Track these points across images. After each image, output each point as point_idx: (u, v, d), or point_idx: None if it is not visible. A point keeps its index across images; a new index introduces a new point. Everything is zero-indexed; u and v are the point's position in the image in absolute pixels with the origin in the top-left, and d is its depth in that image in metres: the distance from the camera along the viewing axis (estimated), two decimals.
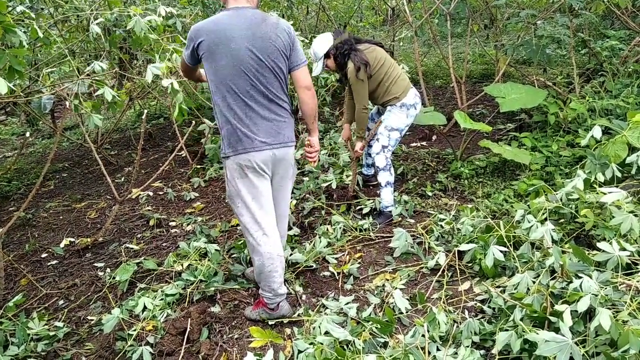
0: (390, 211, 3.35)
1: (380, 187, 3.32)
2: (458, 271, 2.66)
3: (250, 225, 2.32)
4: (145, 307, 2.61)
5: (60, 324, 2.60)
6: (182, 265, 2.96)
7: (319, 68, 3.26)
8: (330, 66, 3.28)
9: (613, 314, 1.79)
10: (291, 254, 2.86)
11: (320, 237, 3.07)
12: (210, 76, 2.20)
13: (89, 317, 2.70)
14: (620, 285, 1.96)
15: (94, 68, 2.82)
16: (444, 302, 2.39)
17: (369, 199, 3.53)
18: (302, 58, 2.30)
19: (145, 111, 3.21)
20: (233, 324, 2.51)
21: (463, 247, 2.67)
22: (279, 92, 2.25)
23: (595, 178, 2.66)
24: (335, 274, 2.83)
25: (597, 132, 2.64)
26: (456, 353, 2.00)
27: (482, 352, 2.08)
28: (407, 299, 2.46)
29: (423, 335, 2.10)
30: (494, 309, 2.31)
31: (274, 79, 2.22)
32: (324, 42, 3.20)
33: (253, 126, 2.20)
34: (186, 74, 2.46)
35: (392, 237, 3.05)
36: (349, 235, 3.19)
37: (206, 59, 2.17)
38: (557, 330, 1.89)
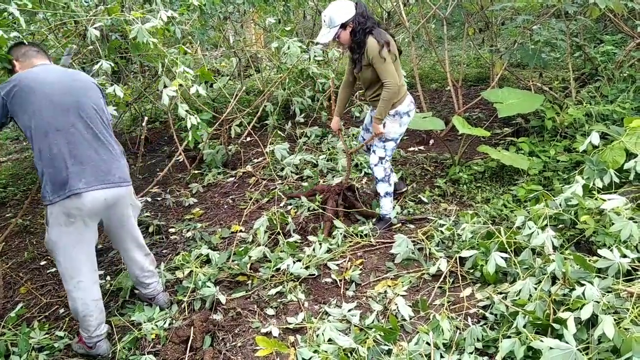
0: (390, 217, 3.36)
1: (380, 197, 3.32)
2: (459, 277, 2.68)
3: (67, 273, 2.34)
4: (147, 316, 2.61)
5: (61, 334, 2.60)
6: (183, 273, 2.96)
7: (329, 35, 2.85)
8: (343, 39, 2.90)
9: (615, 320, 1.81)
10: (291, 266, 2.86)
11: (320, 244, 3.08)
12: (27, 123, 2.17)
13: None
14: (621, 292, 1.99)
15: (100, 67, 2.81)
16: (446, 309, 2.41)
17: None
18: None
19: (146, 118, 3.20)
20: (236, 331, 2.51)
21: (464, 253, 2.69)
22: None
23: (594, 184, 2.68)
24: (337, 280, 2.84)
25: (595, 138, 2.66)
26: None
27: (486, 358, 2.10)
28: (410, 306, 2.48)
29: (427, 343, 2.12)
30: (496, 315, 2.33)
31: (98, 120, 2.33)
32: (345, 9, 2.83)
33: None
34: None
35: (392, 242, 3.06)
36: (350, 241, 3.19)
37: (23, 108, 2.15)
38: (559, 337, 1.92)
